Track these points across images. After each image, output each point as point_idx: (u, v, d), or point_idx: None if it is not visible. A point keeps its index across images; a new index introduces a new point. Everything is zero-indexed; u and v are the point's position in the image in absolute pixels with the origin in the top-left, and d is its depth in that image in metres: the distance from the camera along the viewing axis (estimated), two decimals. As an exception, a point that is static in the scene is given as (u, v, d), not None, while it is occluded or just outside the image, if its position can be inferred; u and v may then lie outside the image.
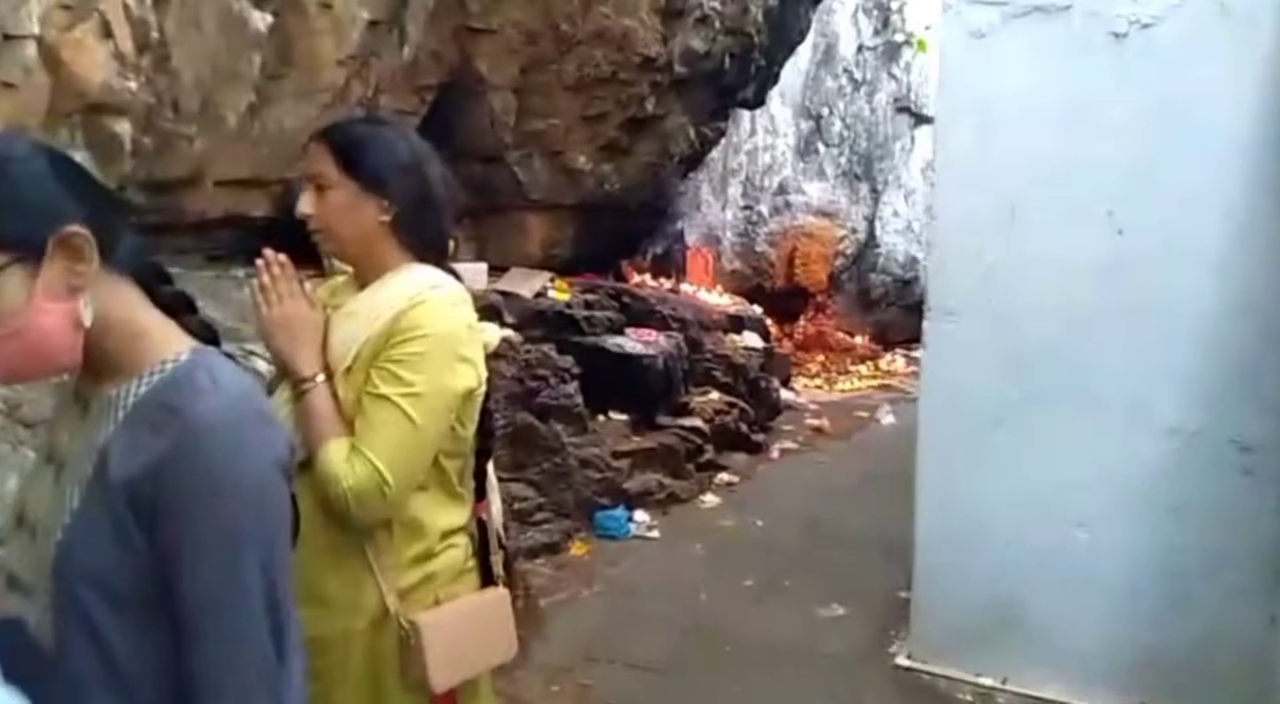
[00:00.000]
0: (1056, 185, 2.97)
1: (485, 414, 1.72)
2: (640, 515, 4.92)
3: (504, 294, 4.93)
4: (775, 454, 6.19)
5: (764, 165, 8.28)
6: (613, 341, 5.27)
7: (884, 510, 5.09)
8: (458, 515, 1.68)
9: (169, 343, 1.04)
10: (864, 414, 7.30)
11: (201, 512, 0.97)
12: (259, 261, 1.62)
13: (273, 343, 1.61)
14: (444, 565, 1.64)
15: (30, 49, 3.05)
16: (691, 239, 7.83)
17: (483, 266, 5.03)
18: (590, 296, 5.36)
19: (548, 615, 3.91)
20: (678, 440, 5.39)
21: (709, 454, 5.62)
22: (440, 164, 1.73)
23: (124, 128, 3.34)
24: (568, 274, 5.41)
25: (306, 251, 1.69)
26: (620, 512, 4.83)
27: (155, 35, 3.37)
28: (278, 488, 1.04)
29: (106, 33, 3.19)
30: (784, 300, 8.86)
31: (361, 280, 1.69)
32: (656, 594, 4.08)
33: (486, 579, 1.74)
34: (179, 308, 1.10)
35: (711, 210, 7.94)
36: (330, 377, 1.58)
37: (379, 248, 1.64)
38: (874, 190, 9.39)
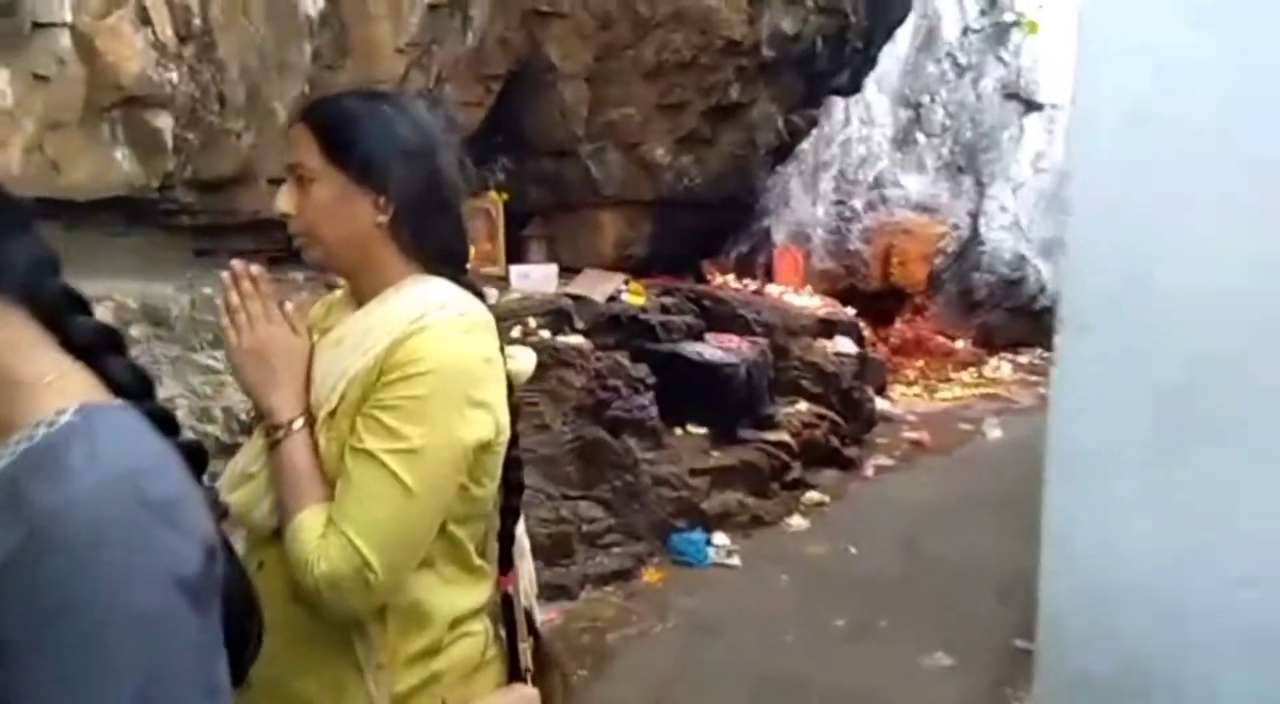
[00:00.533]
0: (1231, 169, 2.44)
1: (511, 464, 1.36)
2: (720, 539, 4.53)
3: (575, 298, 4.59)
4: (869, 471, 5.69)
5: (859, 157, 7.76)
6: (691, 349, 4.88)
7: (993, 539, 4.57)
8: (475, 595, 1.33)
9: (56, 398, 0.72)
10: (968, 427, 6.72)
11: (45, 645, 0.65)
12: (224, 275, 1.29)
13: (243, 378, 1.28)
14: (455, 660, 1.29)
15: (64, 38, 2.85)
16: (779, 237, 7.38)
17: (553, 268, 4.71)
18: (667, 300, 4.98)
19: (615, 652, 3.55)
20: (762, 456, 4.96)
21: (796, 471, 5.18)
22: (454, 148, 1.38)
23: (165, 122, 3.12)
24: (644, 276, 5.04)
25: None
26: (698, 535, 4.44)
27: (198, 23, 3.14)
28: (173, 616, 0.70)
29: (144, 19, 2.97)
30: (879, 302, 8.30)
31: (357, 297, 1.35)
32: (736, 632, 3.68)
33: (514, 672, 1.39)
34: (97, 348, 0.79)
35: (801, 206, 7.47)
36: (312, 422, 1.25)
37: (375, 255, 1.30)
38: (978, 183, 8.72)
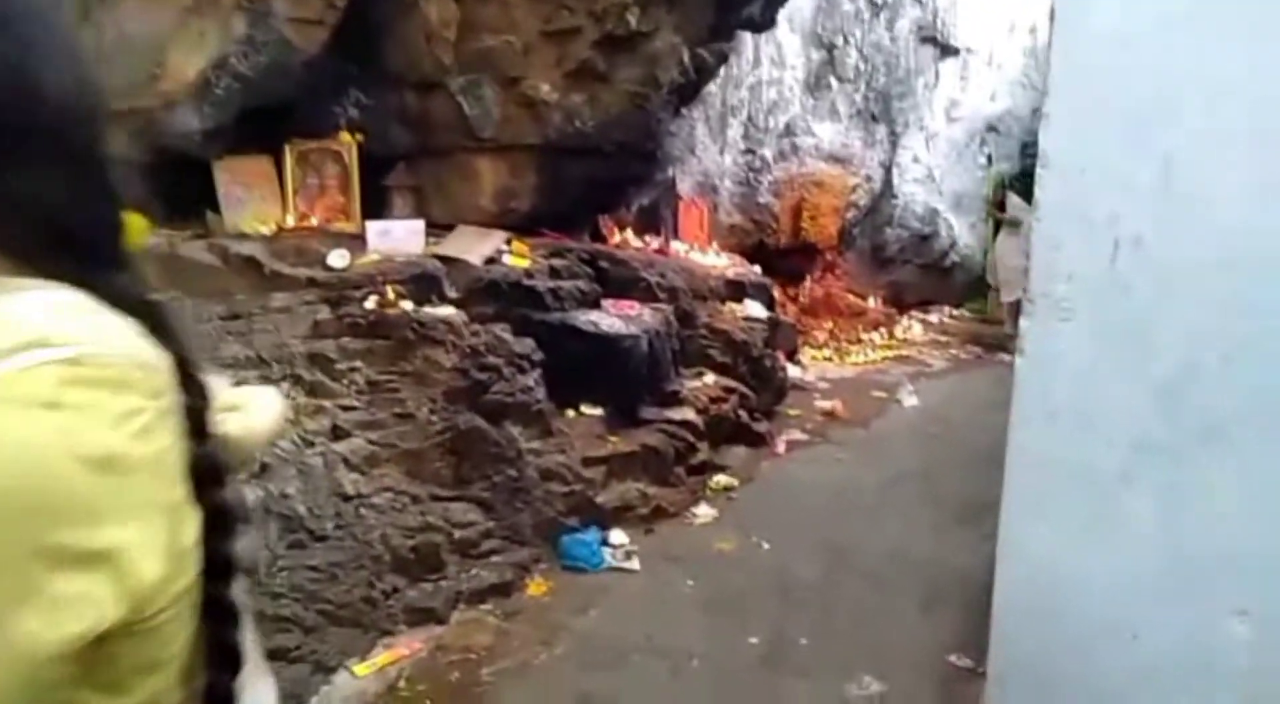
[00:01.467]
0: (1239, 120, 1.94)
1: (217, 528, 0.72)
2: (617, 537, 3.96)
3: (445, 260, 3.88)
4: (781, 448, 5.22)
5: (769, 102, 7.17)
6: (584, 318, 4.24)
7: (915, 530, 4.15)
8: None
9: None
10: (882, 394, 6.33)
11: None
12: None
13: None
14: None
15: None
16: (684, 189, 6.76)
17: (419, 225, 3.97)
18: (557, 262, 4.31)
19: (488, 694, 2.95)
20: (664, 439, 4.40)
21: (703, 453, 4.64)
22: (71, 45, 0.71)
23: None
24: (529, 234, 4.35)
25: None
26: (592, 535, 3.87)
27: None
28: None
29: None
30: (788, 259, 7.81)
31: None
32: (636, 660, 3.13)
33: None
34: None
35: (708, 155, 6.86)
36: None
37: None
38: (892, 133, 8.28)
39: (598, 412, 4.28)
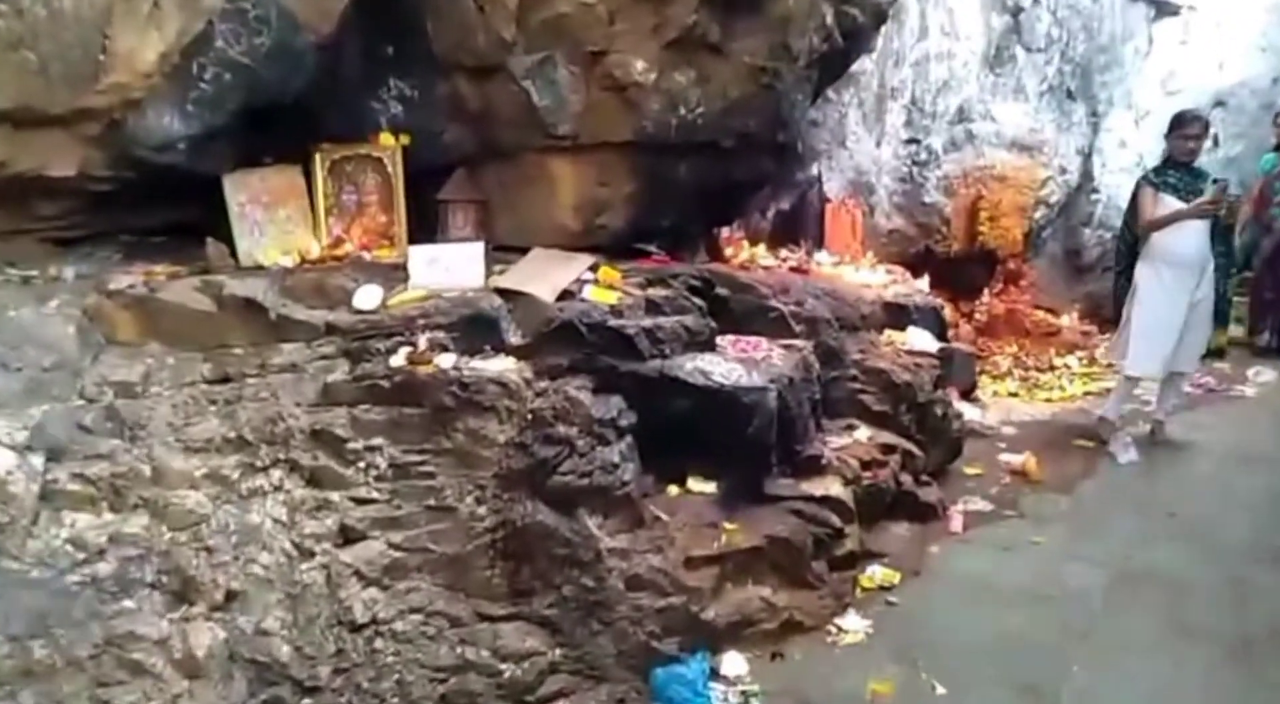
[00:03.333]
0: None
1: None
2: (732, 665, 2.96)
3: (507, 296, 2.97)
4: (957, 523, 4.01)
5: (938, 82, 5.91)
6: (692, 366, 3.23)
7: (1166, 671, 2.90)
8: None
9: None
10: (1086, 444, 4.96)
11: None
12: None
13: None
14: None
15: None
16: (832, 189, 5.62)
17: (476, 249, 3.08)
18: (657, 292, 3.33)
19: None
20: (799, 524, 3.33)
21: (851, 539, 3.53)
22: None
23: None
24: (622, 257, 3.39)
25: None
26: (696, 666, 2.86)
27: None
28: None
29: None
30: (962, 269, 6.50)
31: None
32: None
33: None
34: None
35: (862, 147, 5.69)
36: None
37: None
38: (1093, 113, 6.79)
39: (709, 489, 3.27)
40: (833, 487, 3.57)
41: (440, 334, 2.77)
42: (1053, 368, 6.40)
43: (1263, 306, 6.84)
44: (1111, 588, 3.45)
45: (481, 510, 2.67)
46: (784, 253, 4.66)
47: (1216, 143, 7.38)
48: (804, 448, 3.61)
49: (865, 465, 3.83)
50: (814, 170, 5.47)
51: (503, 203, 3.30)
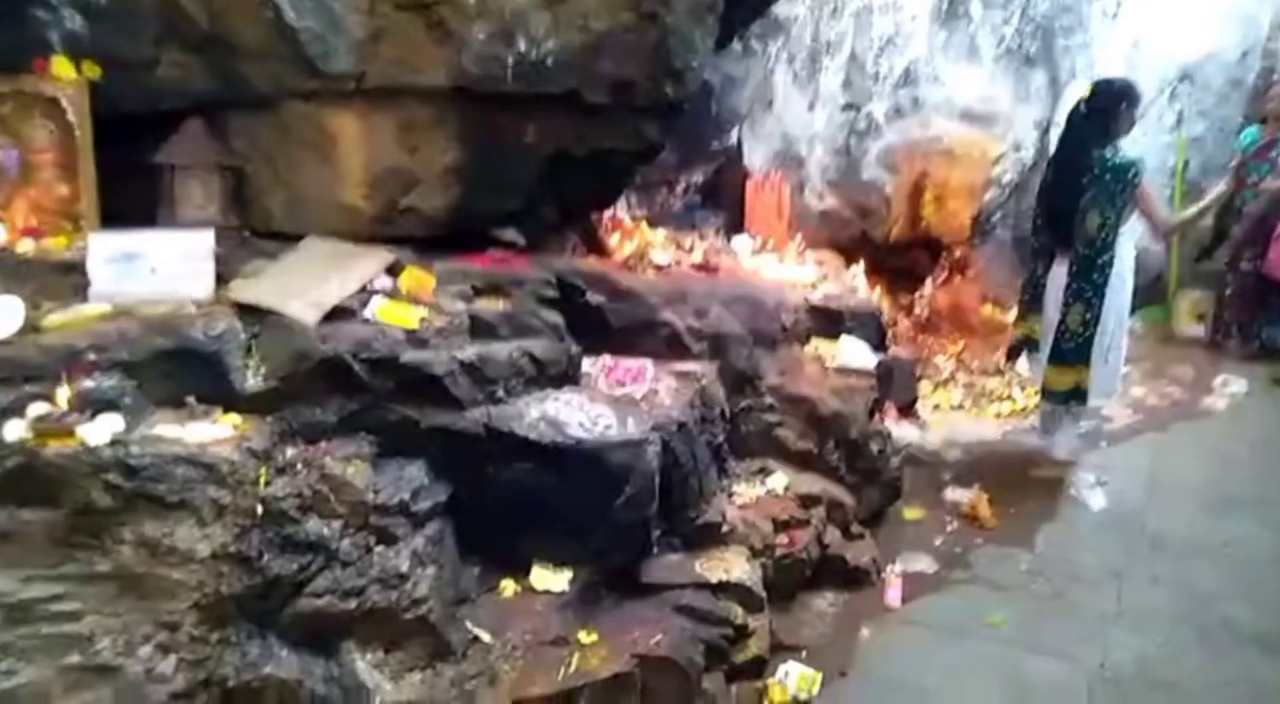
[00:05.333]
0: None
1: None
2: None
3: (251, 315, 1.96)
4: (895, 594, 3.17)
5: (882, 37, 5.01)
6: (538, 414, 2.28)
7: None
8: None
9: None
10: (1046, 474, 4.17)
11: None
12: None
13: None
14: None
15: None
16: (755, 160, 4.68)
17: (203, 241, 2.04)
18: (491, 306, 2.34)
19: None
20: (687, 629, 2.43)
21: (758, 637, 2.65)
22: None
23: None
24: (441, 252, 2.39)
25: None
26: None
27: None
28: None
29: None
30: (902, 256, 5.65)
31: None
32: None
33: None
34: None
35: (791, 111, 4.76)
36: None
37: None
38: (1053, 82, 5.97)
39: (561, 582, 2.34)
40: (736, 566, 2.67)
41: (112, 380, 1.75)
42: (1000, 371, 5.61)
43: (1235, 305, 6.15)
44: (1100, 691, 2.65)
45: (166, 666, 1.68)
46: (689, 241, 3.71)
47: (1180, 121, 6.66)
48: (699, 512, 2.70)
49: (781, 527, 2.96)
50: (733, 137, 4.52)
51: (268, 172, 2.27)
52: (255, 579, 1.76)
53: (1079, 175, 3.90)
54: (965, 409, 4.99)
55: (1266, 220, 5.80)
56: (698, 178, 4.49)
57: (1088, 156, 3.87)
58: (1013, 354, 4.42)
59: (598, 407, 2.42)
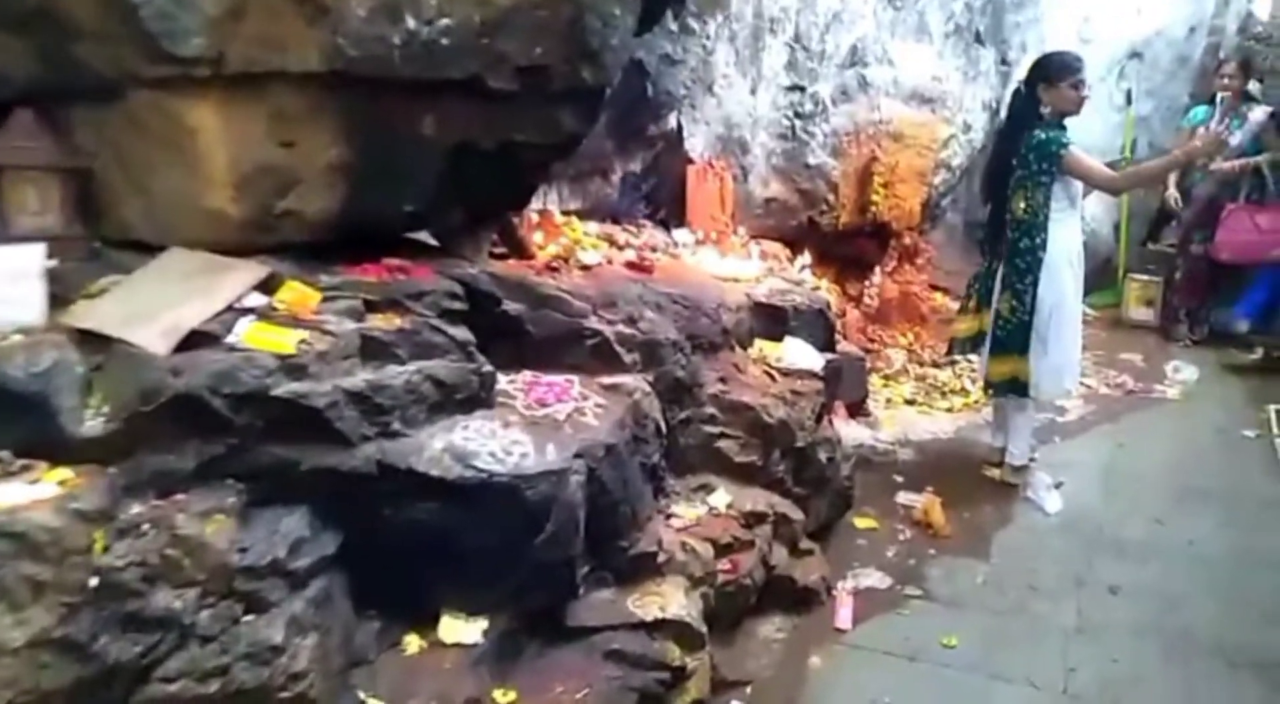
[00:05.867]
0: None
1: None
2: None
3: (93, 344, 1.65)
4: (845, 615, 2.97)
5: (828, 13, 4.77)
6: (442, 446, 2.00)
7: None
8: None
9: None
10: (995, 472, 4.01)
11: None
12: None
13: None
14: None
15: None
16: (696, 146, 4.41)
17: (30, 256, 1.73)
18: (386, 323, 2.05)
19: None
20: (618, 678, 2.19)
21: (698, 678, 2.42)
22: None
23: None
24: (328, 263, 2.09)
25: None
26: None
27: None
28: None
29: None
30: (850, 244, 5.45)
31: None
32: None
33: None
34: None
35: (733, 93, 4.50)
36: None
37: None
38: (1003, 61, 5.80)
39: (474, 633, 2.07)
40: (673, 600, 2.43)
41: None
42: (952, 362, 5.45)
43: (1184, 290, 6.08)
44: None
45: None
46: (622, 237, 3.44)
47: (1130, 100, 6.55)
48: (632, 542, 2.45)
49: (723, 550, 2.72)
50: (671, 122, 4.24)
51: (120, 174, 1.94)
52: (89, 668, 1.47)
53: (1012, 157, 3.72)
54: (917, 404, 4.82)
55: (1215, 202, 5.72)
56: (634, 166, 4.20)
57: (1021, 137, 3.69)
58: (952, 349, 4.23)
59: (513, 433, 2.15)
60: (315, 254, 2.06)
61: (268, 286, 1.92)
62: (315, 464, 1.81)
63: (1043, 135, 3.58)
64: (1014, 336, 3.77)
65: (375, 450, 1.89)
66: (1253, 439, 4.46)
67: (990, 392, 4.05)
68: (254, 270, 1.90)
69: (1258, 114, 5.55)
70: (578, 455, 2.18)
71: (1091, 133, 5.95)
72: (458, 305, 2.17)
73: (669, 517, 2.74)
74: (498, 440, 2.10)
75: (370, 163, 2.01)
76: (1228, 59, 5.91)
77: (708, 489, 2.90)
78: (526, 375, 2.46)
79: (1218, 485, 3.95)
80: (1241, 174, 5.57)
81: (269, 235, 1.98)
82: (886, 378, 5.12)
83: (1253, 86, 5.73)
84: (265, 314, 1.87)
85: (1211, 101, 5.89)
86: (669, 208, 4.35)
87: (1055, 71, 3.59)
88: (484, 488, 1.99)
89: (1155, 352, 5.81)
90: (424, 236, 2.60)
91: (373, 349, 1.97)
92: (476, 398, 2.17)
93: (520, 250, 2.76)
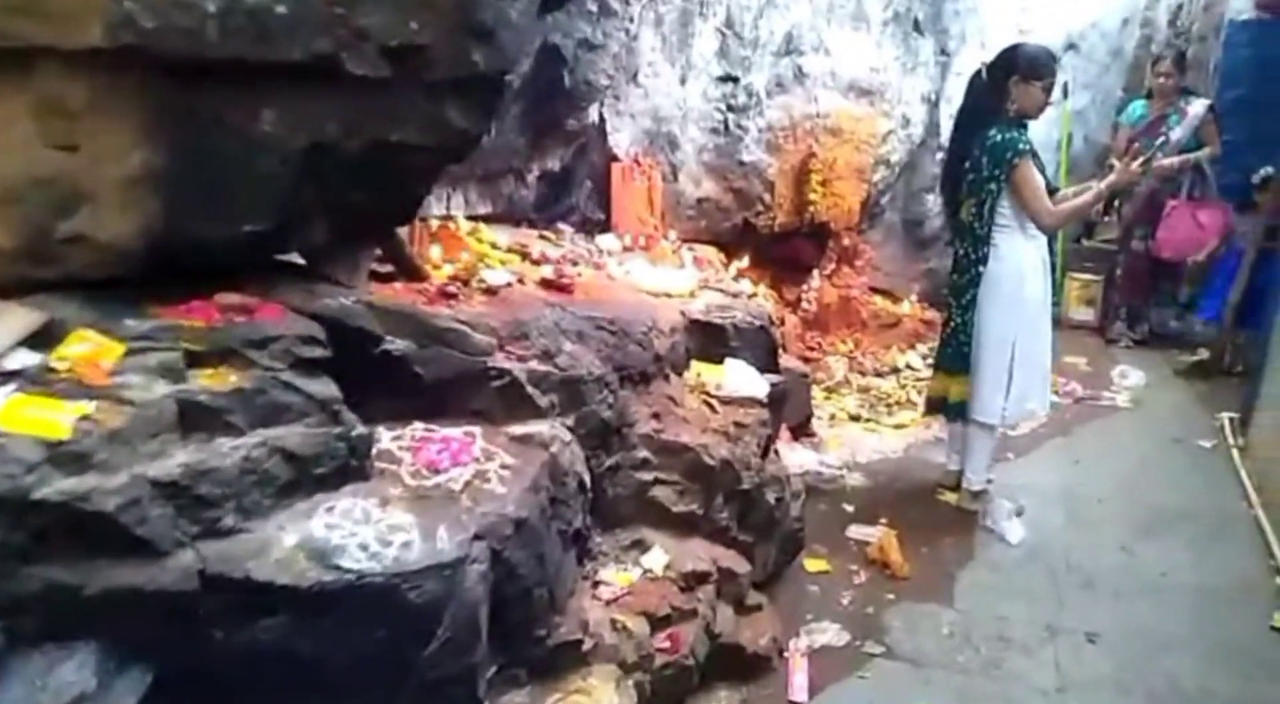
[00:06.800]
0: None
1: None
2: None
3: None
4: (800, 684, 2.60)
5: (759, 1, 4.38)
6: (294, 542, 1.52)
7: None
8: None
9: None
10: (951, 497, 3.70)
11: None
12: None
13: None
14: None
15: None
16: (620, 142, 3.98)
17: None
18: (218, 381, 1.56)
19: None
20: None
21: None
22: None
23: None
24: (145, 298, 1.59)
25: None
26: None
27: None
28: None
29: None
30: (787, 246, 5.09)
31: None
32: None
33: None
34: None
35: (660, 84, 4.08)
36: None
37: None
38: (942, 51, 5.50)
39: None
40: (602, 695, 2.01)
41: None
42: (895, 370, 5.16)
43: (1125, 287, 5.90)
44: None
45: None
46: (539, 249, 2.98)
47: (1066, 94, 6.34)
48: (550, 629, 2.02)
49: (660, 623, 2.31)
50: (592, 115, 3.80)
51: None
52: None
53: (965, 156, 3.38)
54: (863, 420, 4.48)
55: (1156, 198, 5.55)
56: (553, 164, 3.75)
57: (974, 135, 3.35)
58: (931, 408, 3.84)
59: (394, 513, 1.70)
60: (119, 292, 1.56)
61: (46, 339, 1.42)
62: (107, 586, 1.33)
63: (999, 136, 3.24)
64: (955, 356, 3.45)
65: (195, 559, 1.41)
66: (1209, 450, 4.25)
67: (929, 409, 3.72)
68: (23, 317, 1.40)
69: (1196, 107, 5.38)
70: (478, 538, 1.74)
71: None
72: (317, 352, 1.69)
73: (596, 584, 2.32)
74: (372, 527, 1.64)
75: (190, 171, 1.52)
76: (1163, 56, 5.73)
77: (641, 547, 2.48)
78: (417, 429, 2.00)
79: (1182, 505, 3.70)
80: (1182, 170, 5.39)
81: (49, 268, 1.48)
82: (829, 390, 4.79)
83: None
84: (37, 379, 1.37)
85: (1148, 96, 5.71)
86: (592, 210, 3.91)
87: (1031, 68, 3.22)
88: (352, 594, 1.53)
89: (1099, 354, 5.62)
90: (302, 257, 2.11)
91: (196, 419, 1.49)
92: (346, 469, 1.70)
93: (410, 271, 2.29)
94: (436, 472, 1.87)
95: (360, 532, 1.62)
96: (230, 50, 1.41)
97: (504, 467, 1.95)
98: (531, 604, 1.93)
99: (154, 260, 1.56)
